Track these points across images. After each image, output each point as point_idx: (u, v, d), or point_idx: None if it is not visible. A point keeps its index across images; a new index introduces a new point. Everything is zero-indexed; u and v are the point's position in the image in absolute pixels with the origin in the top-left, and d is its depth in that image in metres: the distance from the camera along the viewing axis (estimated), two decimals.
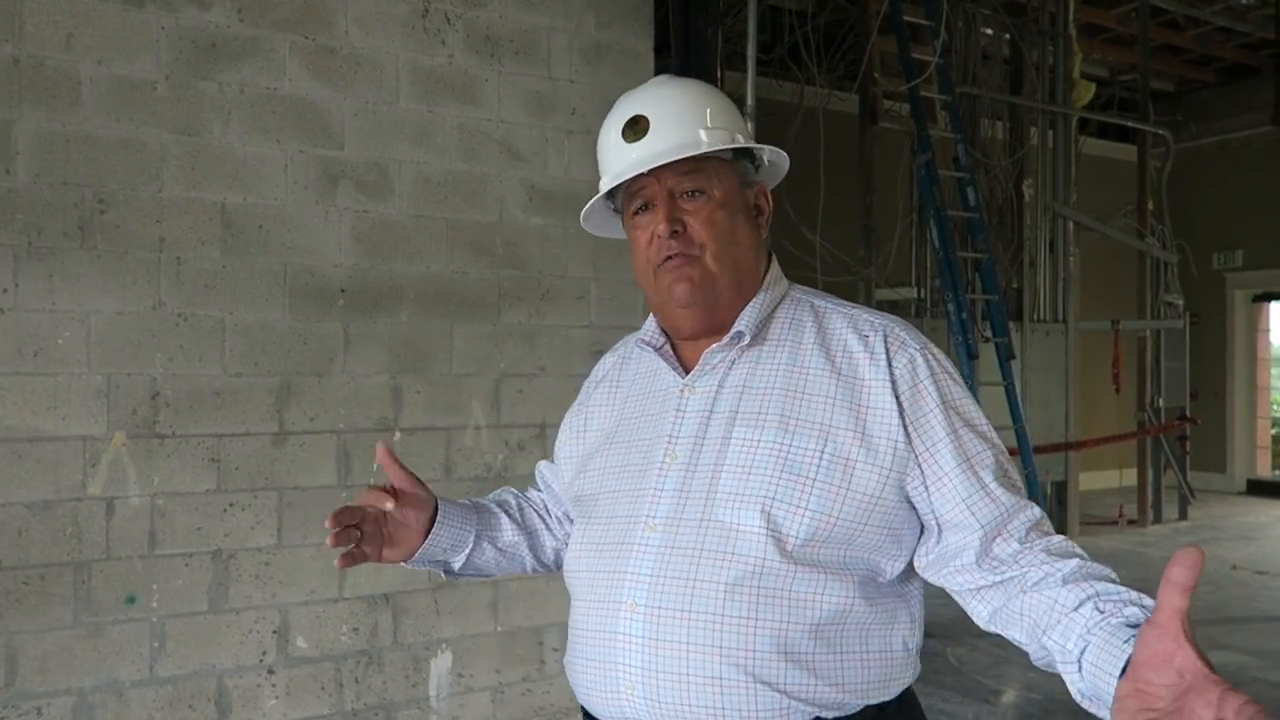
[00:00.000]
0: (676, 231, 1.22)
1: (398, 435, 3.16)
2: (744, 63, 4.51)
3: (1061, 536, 1.16)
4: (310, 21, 3.04)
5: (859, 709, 1.15)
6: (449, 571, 1.45)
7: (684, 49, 4.07)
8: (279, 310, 2.99)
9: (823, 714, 1.13)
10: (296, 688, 3.00)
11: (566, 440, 1.45)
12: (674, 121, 1.23)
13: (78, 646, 2.70)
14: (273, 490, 2.97)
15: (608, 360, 1.46)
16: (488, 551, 1.45)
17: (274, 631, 2.97)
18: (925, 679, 4.27)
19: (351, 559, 1.31)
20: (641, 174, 1.23)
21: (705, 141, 1.23)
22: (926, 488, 1.17)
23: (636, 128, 1.24)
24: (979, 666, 4.49)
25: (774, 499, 1.14)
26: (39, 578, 2.66)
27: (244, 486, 2.93)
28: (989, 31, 7.46)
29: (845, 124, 6.82)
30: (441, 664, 3.23)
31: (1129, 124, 8.52)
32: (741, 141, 1.26)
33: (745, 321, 1.24)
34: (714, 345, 1.25)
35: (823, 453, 1.15)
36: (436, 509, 1.39)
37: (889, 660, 1.18)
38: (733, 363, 1.25)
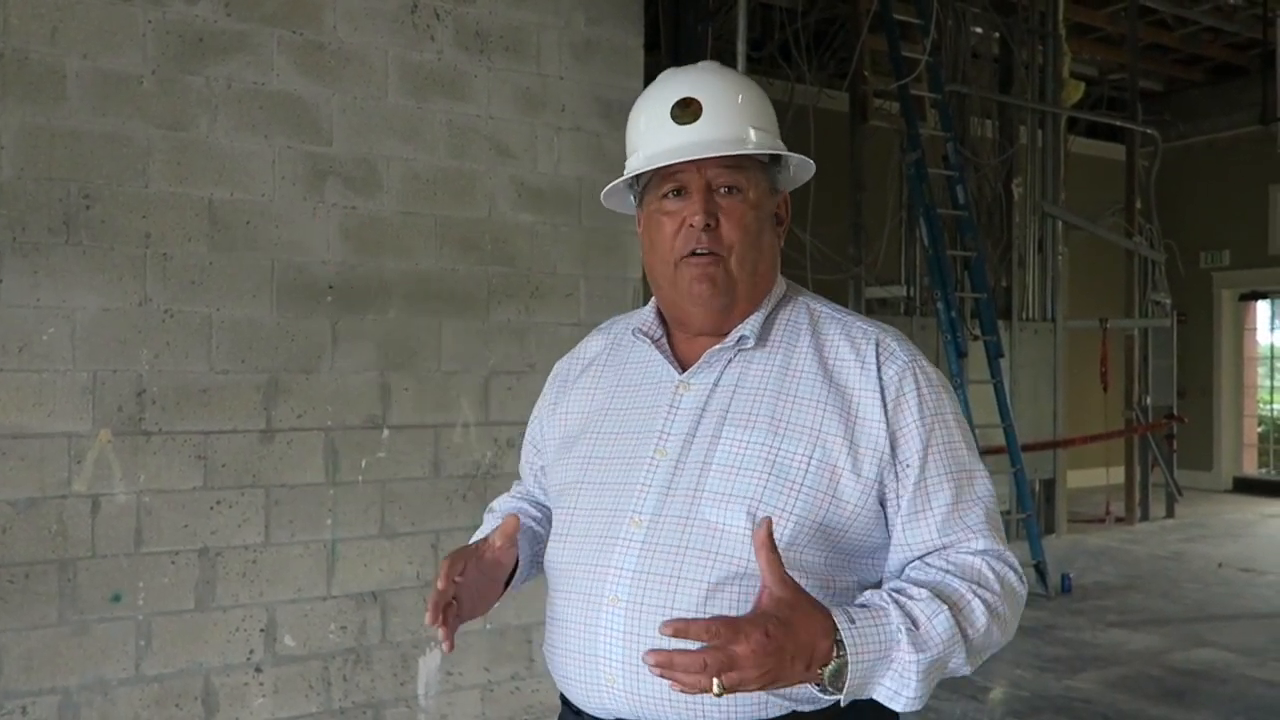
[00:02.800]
0: (710, 225, 1.20)
1: (386, 433, 3.15)
2: (734, 60, 4.51)
3: (984, 564, 1.17)
4: (298, 16, 3.02)
5: (830, 702, 1.16)
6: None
7: (674, 46, 4.07)
8: (266, 307, 2.97)
9: (799, 708, 1.14)
10: (284, 686, 2.99)
11: (549, 421, 1.40)
12: (727, 113, 1.21)
13: (63, 645, 2.68)
14: (260, 488, 2.95)
15: (594, 342, 1.42)
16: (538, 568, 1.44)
17: (261, 630, 2.95)
18: None
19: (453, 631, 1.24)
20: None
21: (753, 140, 1.21)
22: (898, 499, 1.18)
23: (688, 110, 1.21)
24: None
25: (760, 501, 1.14)
26: (24, 576, 2.64)
27: (231, 484, 2.91)
28: (979, 30, 7.47)
29: (835, 122, 6.82)
30: (430, 662, 3.22)
31: (1118, 123, 8.54)
32: (783, 148, 1.26)
33: (750, 325, 1.24)
34: (718, 345, 1.24)
35: (811, 458, 1.16)
36: (516, 562, 1.34)
37: None
38: (728, 362, 1.24)
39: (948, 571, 1.15)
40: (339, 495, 3.08)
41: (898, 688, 1.07)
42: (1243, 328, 10.53)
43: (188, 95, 2.86)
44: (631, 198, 1.32)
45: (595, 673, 1.18)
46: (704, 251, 1.20)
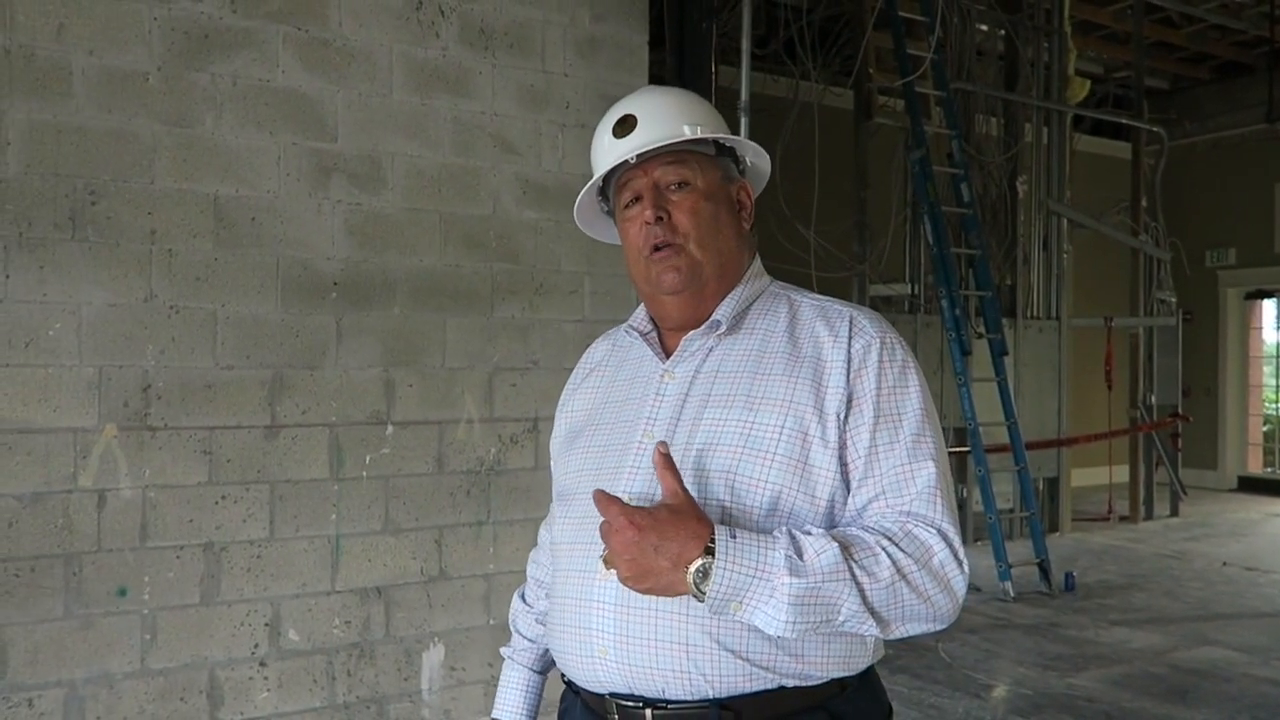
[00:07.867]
0: (661, 218, 1.29)
1: (390, 429, 3.16)
2: (739, 57, 4.50)
3: (907, 526, 1.17)
4: (303, 13, 3.03)
5: (823, 681, 1.21)
6: None
7: (679, 43, 4.06)
8: (271, 303, 2.98)
9: (786, 683, 1.19)
10: (288, 680, 3.00)
11: (560, 425, 1.50)
12: (661, 117, 1.32)
13: (68, 639, 2.70)
14: (265, 483, 2.97)
15: (600, 347, 1.51)
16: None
17: (265, 624, 2.97)
18: (916, 673, 4.28)
19: None
20: (632, 169, 1.31)
21: (687, 133, 1.30)
22: (855, 460, 1.21)
23: (626, 125, 1.33)
24: (969, 661, 4.51)
25: (736, 474, 1.20)
26: (29, 569, 2.66)
27: (236, 479, 2.92)
28: (984, 27, 7.46)
29: (840, 119, 6.83)
30: (434, 657, 3.23)
31: (1123, 121, 8.53)
32: (725, 134, 1.35)
33: (723, 311, 1.31)
34: (693, 331, 1.32)
35: (783, 427, 1.21)
36: None
37: (849, 639, 1.22)
38: (710, 350, 1.31)
39: (865, 527, 1.17)
40: (343, 491, 3.09)
41: (773, 612, 1.09)
42: (1248, 326, 10.51)
43: (193, 92, 2.87)
44: (613, 223, 1.42)
45: (589, 646, 1.23)
46: (662, 244, 1.29)
